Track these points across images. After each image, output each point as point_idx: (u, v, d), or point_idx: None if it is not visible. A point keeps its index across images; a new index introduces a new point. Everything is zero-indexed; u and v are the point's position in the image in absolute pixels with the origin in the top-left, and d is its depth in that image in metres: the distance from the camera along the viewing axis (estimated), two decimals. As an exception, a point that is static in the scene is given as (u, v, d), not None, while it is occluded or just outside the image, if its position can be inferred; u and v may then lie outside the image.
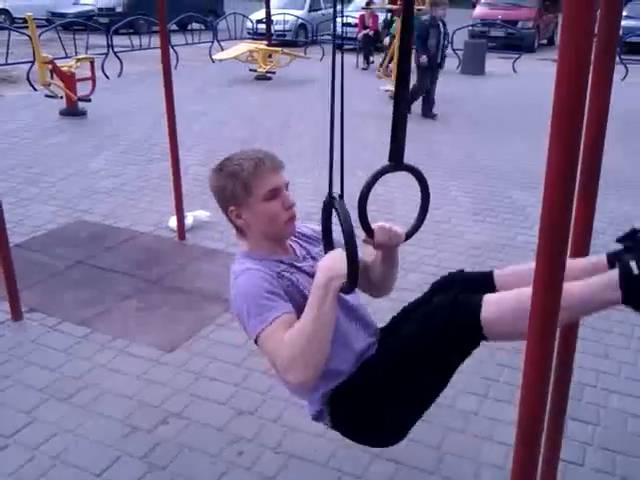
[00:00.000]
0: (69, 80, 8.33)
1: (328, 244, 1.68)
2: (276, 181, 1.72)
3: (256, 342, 1.66)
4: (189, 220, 4.65)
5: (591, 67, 1.07)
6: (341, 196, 1.60)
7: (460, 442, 2.52)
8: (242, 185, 1.69)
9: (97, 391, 2.81)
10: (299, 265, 1.79)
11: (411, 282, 3.81)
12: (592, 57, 1.08)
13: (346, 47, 17.45)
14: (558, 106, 1.04)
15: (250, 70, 12.12)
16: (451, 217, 4.93)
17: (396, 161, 1.68)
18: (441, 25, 8.68)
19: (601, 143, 1.73)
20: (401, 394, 1.74)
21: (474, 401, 2.77)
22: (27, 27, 8.80)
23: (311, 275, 1.69)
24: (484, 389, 2.85)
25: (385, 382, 1.72)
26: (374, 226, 1.78)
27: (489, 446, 2.49)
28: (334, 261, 1.57)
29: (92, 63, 8.85)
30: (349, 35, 16.82)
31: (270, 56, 12.34)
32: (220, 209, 1.79)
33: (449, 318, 1.59)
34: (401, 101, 1.67)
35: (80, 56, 9.58)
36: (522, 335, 1.23)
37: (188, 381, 2.88)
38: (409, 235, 1.83)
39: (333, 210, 1.60)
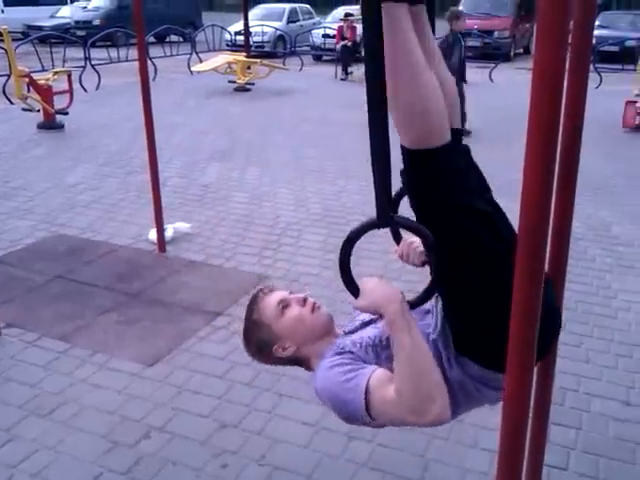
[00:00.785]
0: (46, 93, 8.27)
1: (349, 281, 1.50)
2: (276, 297, 1.66)
3: (371, 415, 1.45)
4: (169, 232, 4.63)
5: (566, 76, 1.08)
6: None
7: (445, 449, 2.53)
8: (260, 324, 1.65)
9: (78, 406, 2.77)
10: (352, 328, 1.68)
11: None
12: (567, 66, 1.09)
13: (325, 58, 17.59)
14: (534, 114, 1.05)
15: (229, 82, 12.12)
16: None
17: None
18: (461, 38, 8.16)
19: (577, 150, 1.75)
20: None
21: (458, 408, 2.77)
22: (2, 40, 8.72)
23: (368, 321, 1.64)
24: (467, 396, 2.85)
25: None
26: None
27: (474, 453, 2.50)
28: (379, 288, 1.45)
29: (69, 76, 8.80)
30: (328, 46, 16.95)
31: (249, 67, 12.36)
32: (269, 362, 1.73)
33: None
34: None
35: (57, 69, 9.53)
36: None
37: (170, 395, 2.86)
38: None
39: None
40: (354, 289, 1.50)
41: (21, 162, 6.82)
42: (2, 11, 20.87)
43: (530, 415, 1.43)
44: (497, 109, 10.14)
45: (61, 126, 8.40)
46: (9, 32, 8.52)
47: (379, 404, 1.43)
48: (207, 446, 2.53)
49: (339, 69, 14.39)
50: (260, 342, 1.65)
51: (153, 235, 4.55)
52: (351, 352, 1.55)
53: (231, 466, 2.43)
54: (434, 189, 1.43)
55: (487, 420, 2.63)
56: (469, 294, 1.45)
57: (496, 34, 17.85)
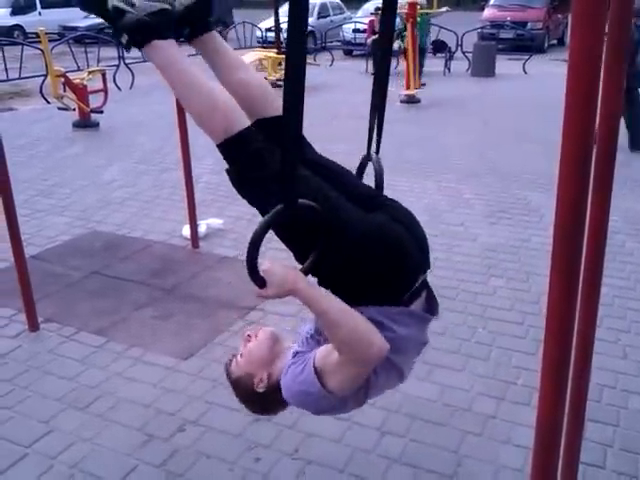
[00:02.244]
0: (81, 92, 8.42)
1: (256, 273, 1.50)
2: (233, 355, 1.86)
3: (329, 390, 1.58)
4: (202, 228, 4.67)
5: (602, 66, 1.06)
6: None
7: (478, 445, 2.50)
8: (237, 381, 1.79)
9: (114, 400, 2.82)
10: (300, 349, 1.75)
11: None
12: (603, 56, 1.07)
13: (355, 53, 17.54)
14: (570, 105, 1.03)
15: (260, 78, 12.15)
16: (464, 220, 4.91)
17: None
18: None
19: (615, 141, 1.72)
20: None
21: (492, 404, 2.75)
22: (40, 41, 8.90)
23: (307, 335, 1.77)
24: (501, 392, 2.83)
25: None
26: None
27: (507, 449, 2.47)
28: (279, 271, 1.50)
29: (104, 75, 8.94)
30: (358, 41, 16.89)
31: (280, 64, 12.38)
32: (269, 407, 1.83)
33: None
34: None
35: (92, 68, 9.68)
36: None
37: (204, 388, 2.89)
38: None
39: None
40: (260, 280, 1.50)
41: (58, 160, 6.96)
42: (39, 13, 21.30)
43: (566, 412, 1.41)
44: (531, 101, 9.98)
45: (96, 124, 8.54)
46: (45, 33, 8.68)
47: (330, 375, 1.55)
48: (240, 439, 2.56)
49: (370, 63, 14.32)
50: (246, 392, 1.77)
51: (187, 231, 4.60)
52: (297, 352, 1.70)
53: (264, 460, 2.44)
54: (244, 170, 1.62)
55: (521, 416, 2.61)
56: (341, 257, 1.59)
57: (529, 25, 17.56)
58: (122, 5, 1.67)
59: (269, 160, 1.58)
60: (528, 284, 3.85)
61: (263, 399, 1.75)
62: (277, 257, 1.56)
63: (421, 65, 13.21)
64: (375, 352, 1.49)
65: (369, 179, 1.93)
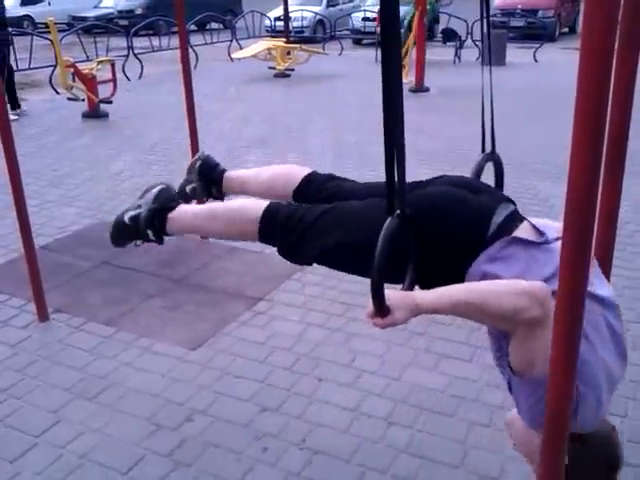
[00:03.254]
0: (91, 83, 8.42)
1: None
2: None
3: None
4: (211, 218, 4.67)
5: (615, 54, 1.04)
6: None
7: (485, 436, 2.50)
8: None
9: (122, 390, 2.83)
10: None
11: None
12: (616, 44, 1.05)
13: (365, 42, 17.44)
14: (582, 94, 1.02)
15: (269, 68, 12.13)
16: (473, 210, 4.87)
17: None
18: None
19: (626, 130, 1.70)
20: None
21: (500, 395, 2.74)
22: (49, 32, 8.90)
23: None
24: (510, 383, 2.81)
25: None
26: None
27: (516, 440, 2.46)
28: (396, 300, 1.48)
29: (113, 65, 8.93)
30: (368, 29, 16.78)
31: (289, 53, 12.34)
32: None
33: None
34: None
35: (101, 58, 9.69)
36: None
37: (212, 378, 2.90)
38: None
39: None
40: (385, 309, 1.47)
41: (67, 151, 6.98)
42: (49, 3, 21.32)
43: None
44: (542, 90, 9.90)
45: (105, 115, 8.55)
46: (55, 23, 8.68)
47: (528, 361, 1.49)
48: (248, 429, 2.56)
49: (379, 53, 14.25)
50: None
51: (195, 221, 4.60)
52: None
53: (272, 449, 2.45)
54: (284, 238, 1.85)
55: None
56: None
57: (540, 13, 17.37)
58: (134, 212, 2.10)
59: (304, 217, 1.79)
60: (538, 274, 3.82)
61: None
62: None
63: (460, 42, 13.11)
64: (533, 291, 1.40)
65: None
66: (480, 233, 1.61)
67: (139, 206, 2.10)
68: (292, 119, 8.43)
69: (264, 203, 1.89)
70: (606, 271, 1.81)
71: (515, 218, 1.66)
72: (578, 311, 1.16)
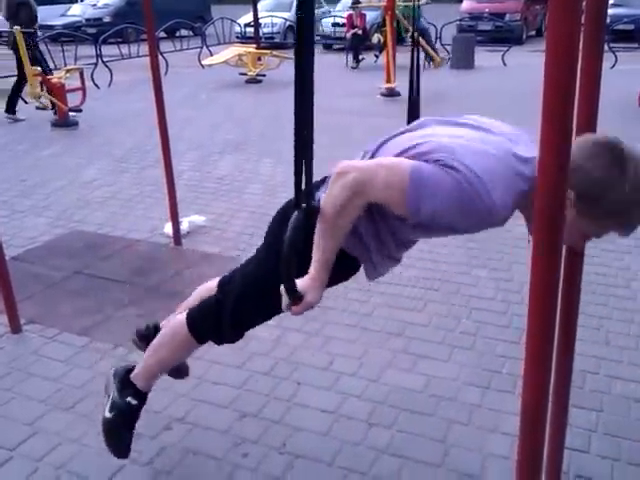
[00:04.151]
0: (59, 91, 8.32)
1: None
2: None
3: None
4: (184, 225, 4.65)
5: (580, 56, 1.07)
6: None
7: (465, 434, 2.52)
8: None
9: (99, 399, 2.79)
10: None
11: (407, 278, 3.82)
12: (580, 46, 1.08)
13: (335, 47, 17.52)
14: (548, 96, 1.04)
15: (240, 74, 12.12)
16: (447, 212, 4.92)
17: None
18: None
19: (593, 131, 1.73)
20: None
21: (477, 393, 2.77)
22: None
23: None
24: (486, 381, 2.85)
25: None
26: None
27: (494, 437, 2.49)
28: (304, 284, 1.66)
29: (82, 73, 8.85)
30: (338, 35, 16.88)
31: (259, 59, 12.35)
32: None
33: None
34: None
35: (69, 67, 9.58)
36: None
37: (190, 386, 2.88)
38: None
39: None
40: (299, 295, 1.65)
41: (36, 160, 6.88)
42: (14, 11, 20.97)
43: (550, 399, 1.43)
44: (511, 92, 10.04)
45: (75, 123, 8.45)
46: (21, 32, 8.56)
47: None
48: (228, 436, 2.55)
49: (350, 57, 14.33)
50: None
51: (169, 229, 4.58)
52: None
53: (252, 455, 2.44)
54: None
55: (506, 405, 2.63)
56: None
57: (507, 17, 17.67)
58: (107, 402, 2.31)
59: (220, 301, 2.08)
60: (511, 273, 3.88)
61: None
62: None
63: (433, 48, 13.30)
64: (343, 182, 1.58)
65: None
66: None
67: (107, 396, 2.30)
68: (264, 124, 8.43)
69: (183, 314, 2.16)
70: (578, 268, 1.84)
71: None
72: (550, 311, 1.18)
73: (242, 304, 2.00)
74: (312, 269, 1.65)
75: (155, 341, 2.24)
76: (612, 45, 11.96)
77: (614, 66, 11.22)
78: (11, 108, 8.79)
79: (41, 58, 8.83)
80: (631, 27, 14.52)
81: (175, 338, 2.16)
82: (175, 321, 2.18)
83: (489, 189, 1.47)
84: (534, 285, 1.17)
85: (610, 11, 13.00)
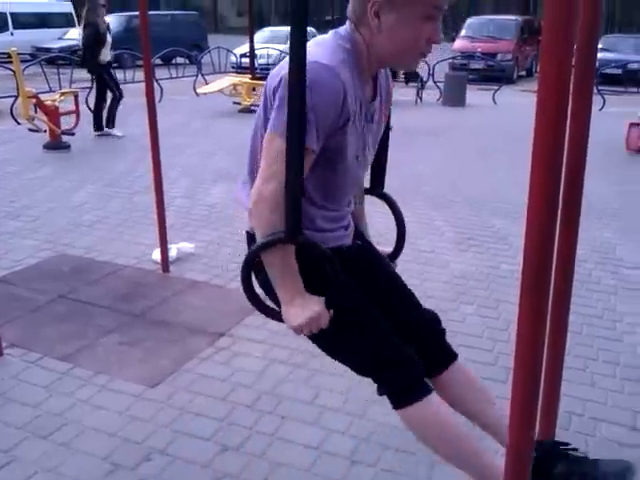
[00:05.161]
0: (53, 114, 8.34)
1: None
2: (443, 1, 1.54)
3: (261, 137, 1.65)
4: (173, 252, 4.63)
5: (570, 98, 1.09)
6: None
7: (449, 474, 2.48)
8: None
9: (79, 428, 2.74)
10: (365, 110, 1.68)
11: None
12: (570, 88, 1.10)
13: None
14: (539, 135, 1.05)
15: (234, 103, 12.21)
16: (435, 247, 4.94)
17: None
18: None
19: (582, 171, 1.75)
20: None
21: (462, 432, 2.74)
22: (11, 62, 8.82)
23: (365, 127, 1.71)
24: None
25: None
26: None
27: (478, 478, 2.45)
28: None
29: (76, 97, 8.88)
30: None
31: (254, 89, 12.46)
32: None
33: (391, 377, 2.00)
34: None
35: (64, 90, 9.62)
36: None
37: (172, 417, 2.83)
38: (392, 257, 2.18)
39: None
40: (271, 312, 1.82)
41: (26, 182, 6.86)
42: (12, 34, 21.18)
43: (535, 440, 1.41)
44: (501, 131, 10.18)
45: (67, 146, 8.46)
46: (18, 54, 8.62)
47: (275, 147, 1.61)
48: (208, 469, 2.50)
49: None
50: None
51: (157, 255, 4.55)
52: (345, 121, 1.64)
53: (232, 490, 2.39)
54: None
55: (491, 443, 2.60)
56: None
57: (499, 56, 18.01)
58: None
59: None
60: (497, 311, 3.88)
61: None
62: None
63: (422, 83, 13.51)
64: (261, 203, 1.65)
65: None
66: None
67: None
68: (256, 154, 8.45)
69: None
70: (565, 309, 1.85)
71: None
72: (537, 351, 1.18)
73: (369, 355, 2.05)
74: (279, 292, 1.72)
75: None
76: (600, 88, 12.18)
77: (602, 108, 11.43)
78: (99, 126, 9.44)
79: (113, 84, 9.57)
80: (619, 72, 14.82)
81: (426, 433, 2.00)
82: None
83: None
84: (521, 325, 1.17)
85: (599, 55, 13.28)
